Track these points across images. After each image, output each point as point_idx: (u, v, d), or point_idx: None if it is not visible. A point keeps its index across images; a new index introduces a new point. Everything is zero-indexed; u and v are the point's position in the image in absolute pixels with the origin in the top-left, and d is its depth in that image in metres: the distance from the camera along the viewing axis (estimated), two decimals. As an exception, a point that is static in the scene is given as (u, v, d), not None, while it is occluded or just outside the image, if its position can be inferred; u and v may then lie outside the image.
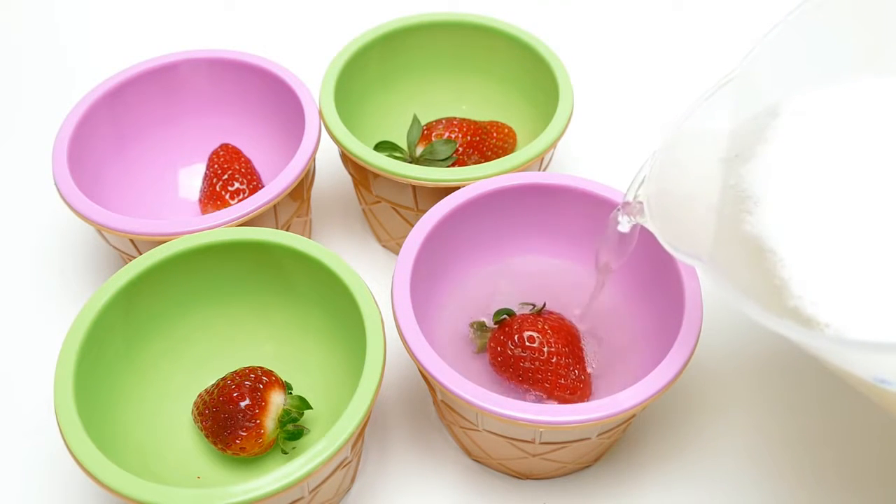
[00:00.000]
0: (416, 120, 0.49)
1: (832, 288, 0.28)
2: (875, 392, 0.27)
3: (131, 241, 0.42)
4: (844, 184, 0.31)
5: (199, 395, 0.40)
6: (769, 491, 0.41)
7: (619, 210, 0.36)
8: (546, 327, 0.39)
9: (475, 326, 0.41)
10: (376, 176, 0.45)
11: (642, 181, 0.34)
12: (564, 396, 0.38)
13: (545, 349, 0.38)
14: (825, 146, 0.32)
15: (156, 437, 0.39)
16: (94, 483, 0.33)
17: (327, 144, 0.50)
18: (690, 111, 0.34)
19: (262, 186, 0.49)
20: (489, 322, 0.41)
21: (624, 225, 0.36)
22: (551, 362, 0.38)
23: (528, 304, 0.41)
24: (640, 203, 0.34)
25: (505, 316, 0.40)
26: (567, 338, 0.39)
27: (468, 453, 0.42)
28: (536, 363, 0.38)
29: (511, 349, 0.38)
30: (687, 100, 0.35)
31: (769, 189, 0.31)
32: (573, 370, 0.38)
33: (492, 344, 0.40)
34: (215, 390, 0.39)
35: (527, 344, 0.38)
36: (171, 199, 0.51)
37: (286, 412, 0.38)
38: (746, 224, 0.31)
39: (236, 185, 0.48)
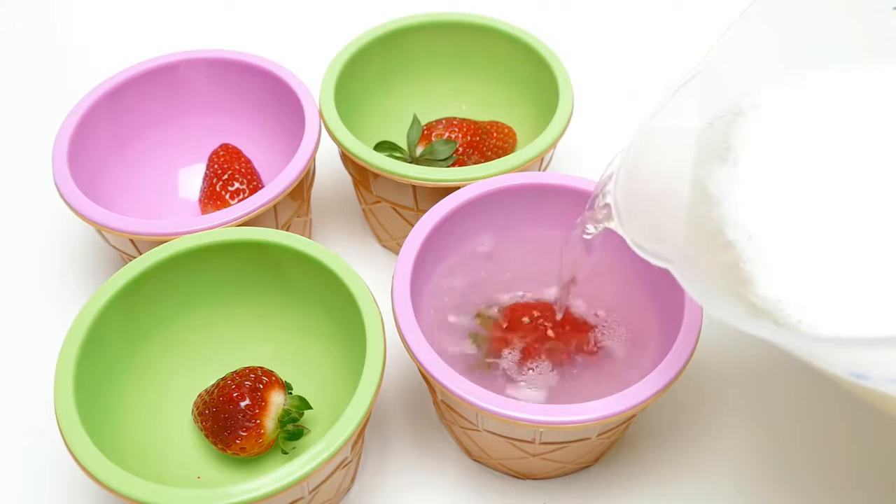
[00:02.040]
0: (416, 120, 0.49)
1: (802, 285, 0.28)
2: (855, 387, 0.27)
3: (131, 241, 0.42)
4: (810, 180, 0.31)
5: (199, 395, 0.40)
6: (769, 491, 0.41)
7: (584, 217, 0.35)
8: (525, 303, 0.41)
9: (474, 339, 0.41)
10: (376, 176, 0.45)
11: (608, 180, 0.34)
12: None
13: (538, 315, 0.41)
14: (791, 142, 0.32)
15: (156, 437, 0.39)
16: (94, 483, 0.33)
17: (327, 144, 0.50)
18: (656, 109, 0.33)
19: (262, 186, 0.49)
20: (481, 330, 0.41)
21: (590, 231, 0.35)
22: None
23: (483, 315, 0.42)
24: (608, 205, 0.33)
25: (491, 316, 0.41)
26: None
27: (468, 453, 0.42)
28: (543, 319, 0.40)
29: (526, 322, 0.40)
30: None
31: (736, 187, 0.32)
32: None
33: (501, 336, 0.40)
34: (215, 390, 0.39)
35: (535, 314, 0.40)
36: (171, 199, 0.51)
37: (286, 412, 0.38)
38: (715, 224, 0.31)
39: (236, 185, 0.48)
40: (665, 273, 0.39)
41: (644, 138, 0.33)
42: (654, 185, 0.34)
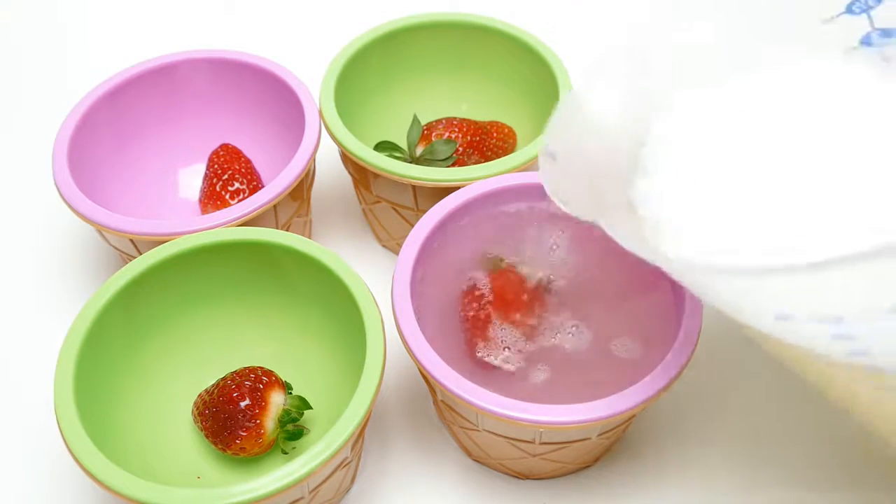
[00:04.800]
0: (416, 120, 0.49)
1: (718, 239, 0.29)
2: (781, 347, 0.27)
3: (131, 241, 0.42)
4: (723, 156, 0.32)
5: (199, 395, 0.40)
6: (768, 491, 0.41)
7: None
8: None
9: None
10: (376, 176, 0.46)
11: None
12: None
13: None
14: (708, 135, 0.34)
15: (156, 437, 0.39)
16: (94, 483, 0.33)
17: (327, 144, 0.50)
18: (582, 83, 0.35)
19: (262, 186, 0.49)
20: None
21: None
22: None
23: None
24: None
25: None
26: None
27: (468, 453, 0.42)
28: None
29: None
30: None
31: (655, 167, 0.33)
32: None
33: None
34: (215, 390, 0.39)
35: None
36: (171, 199, 0.51)
37: (286, 412, 0.38)
38: (633, 196, 0.33)
39: (236, 185, 0.48)
40: (664, 275, 0.39)
41: (572, 102, 0.34)
42: (580, 157, 0.35)
